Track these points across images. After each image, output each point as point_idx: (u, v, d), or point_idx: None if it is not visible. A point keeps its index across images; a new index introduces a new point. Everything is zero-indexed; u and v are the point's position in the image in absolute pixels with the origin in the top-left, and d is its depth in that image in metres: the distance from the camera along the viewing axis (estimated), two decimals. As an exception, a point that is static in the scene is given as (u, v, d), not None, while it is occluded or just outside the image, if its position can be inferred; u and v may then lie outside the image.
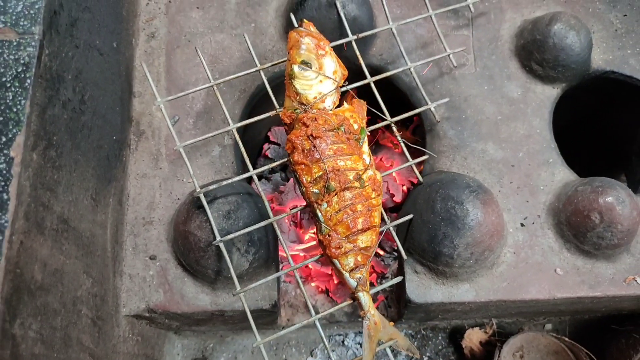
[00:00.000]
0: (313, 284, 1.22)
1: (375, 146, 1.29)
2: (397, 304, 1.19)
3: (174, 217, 0.96)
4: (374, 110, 0.92)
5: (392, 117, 0.94)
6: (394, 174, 1.25)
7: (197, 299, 0.94)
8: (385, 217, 0.88)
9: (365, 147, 0.84)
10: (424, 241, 0.92)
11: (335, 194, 0.79)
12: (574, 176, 1.02)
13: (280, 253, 1.22)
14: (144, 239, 0.96)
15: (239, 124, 0.90)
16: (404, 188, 1.24)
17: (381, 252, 1.25)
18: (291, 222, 1.26)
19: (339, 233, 0.79)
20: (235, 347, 1.31)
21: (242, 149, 0.88)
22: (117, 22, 0.97)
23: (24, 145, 0.63)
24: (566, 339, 1.19)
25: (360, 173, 0.80)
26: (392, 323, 0.84)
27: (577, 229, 0.95)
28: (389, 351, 0.84)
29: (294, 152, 0.81)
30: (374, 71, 1.05)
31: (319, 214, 0.80)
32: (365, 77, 0.95)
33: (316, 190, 0.80)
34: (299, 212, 1.26)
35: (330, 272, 1.21)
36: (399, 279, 0.92)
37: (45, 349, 0.69)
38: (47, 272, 0.70)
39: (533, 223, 0.99)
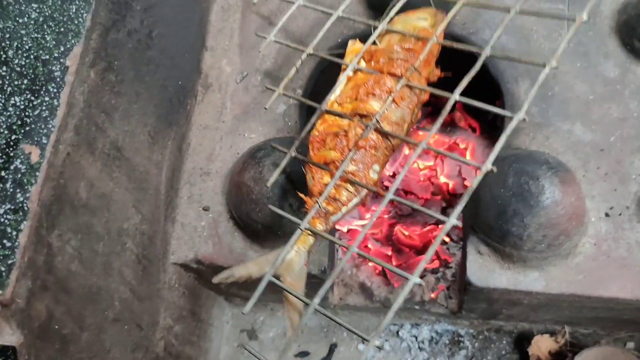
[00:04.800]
0: (370, 264, 1.16)
1: (451, 127, 1.22)
2: (458, 295, 1.10)
3: (231, 170, 0.94)
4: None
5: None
6: (467, 157, 1.16)
7: (245, 255, 0.91)
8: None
9: None
10: (490, 218, 0.84)
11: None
12: (674, 167, 0.90)
13: (340, 227, 1.18)
14: (200, 189, 0.95)
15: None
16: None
17: (447, 240, 1.17)
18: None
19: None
20: (285, 323, 1.28)
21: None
22: (197, -29, 0.97)
23: (80, 56, 0.63)
24: (651, 360, 1.05)
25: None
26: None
27: (672, 223, 0.83)
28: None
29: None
30: (454, 41, 0.99)
31: None
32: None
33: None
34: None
35: (389, 254, 1.15)
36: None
37: (84, 268, 0.68)
38: (94, 194, 0.69)
39: (620, 214, 0.88)
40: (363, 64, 0.76)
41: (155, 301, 0.87)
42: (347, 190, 0.67)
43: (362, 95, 0.71)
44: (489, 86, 0.97)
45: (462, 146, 1.17)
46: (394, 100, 0.71)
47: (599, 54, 0.98)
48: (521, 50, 0.99)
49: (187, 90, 0.95)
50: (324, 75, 1.05)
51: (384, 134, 0.69)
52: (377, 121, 0.69)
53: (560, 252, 0.85)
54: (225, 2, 1.07)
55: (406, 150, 1.19)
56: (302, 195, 0.70)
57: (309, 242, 0.67)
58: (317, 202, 0.66)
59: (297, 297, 0.63)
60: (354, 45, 0.81)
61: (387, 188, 0.75)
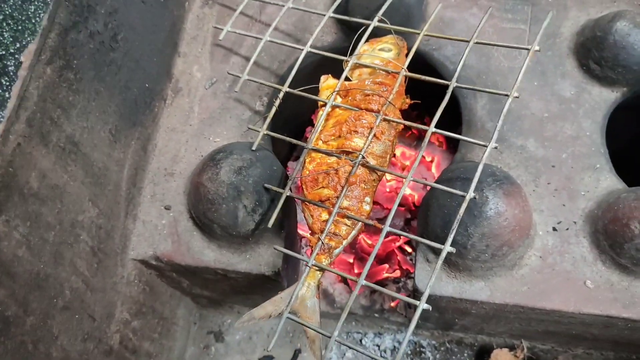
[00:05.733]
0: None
1: (418, 141, 1.25)
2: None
3: (192, 171, 0.98)
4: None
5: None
6: (433, 170, 1.19)
7: (202, 253, 0.94)
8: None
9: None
10: (437, 226, 0.86)
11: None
12: (622, 185, 0.92)
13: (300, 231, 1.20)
14: (163, 189, 0.98)
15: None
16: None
17: (409, 250, 1.19)
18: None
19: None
20: (251, 327, 1.30)
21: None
22: (167, -21, 1.02)
23: (34, 53, 0.67)
24: (605, 377, 1.06)
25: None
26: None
27: (613, 239, 0.85)
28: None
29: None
30: (417, 56, 1.02)
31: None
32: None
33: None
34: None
35: (351, 261, 1.17)
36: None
37: (31, 255, 0.71)
38: (45, 184, 0.73)
39: (567, 229, 0.90)
40: (339, 100, 0.81)
41: (110, 294, 0.90)
42: (346, 224, 0.75)
43: (345, 133, 0.78)
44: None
45: (428, 159, 1.20)
46: (375, 136, 0.77)
47: (556, 74, 1.01)
48: (481, 67, 1.02)
49: (155, 93, 0.98)
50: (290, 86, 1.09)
51: (371, 168, 0.76)
52: (363, 157, 0.76)
53: (505, 263, 0.87)
54: (200, 12, 1.11)
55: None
56: (304, 234, 0.76)
57: (317, 277, 0.75)
58: (319, 239, 0.74)
59: (316, 331, 0.71)
60: (327, 82, 0.86)
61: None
